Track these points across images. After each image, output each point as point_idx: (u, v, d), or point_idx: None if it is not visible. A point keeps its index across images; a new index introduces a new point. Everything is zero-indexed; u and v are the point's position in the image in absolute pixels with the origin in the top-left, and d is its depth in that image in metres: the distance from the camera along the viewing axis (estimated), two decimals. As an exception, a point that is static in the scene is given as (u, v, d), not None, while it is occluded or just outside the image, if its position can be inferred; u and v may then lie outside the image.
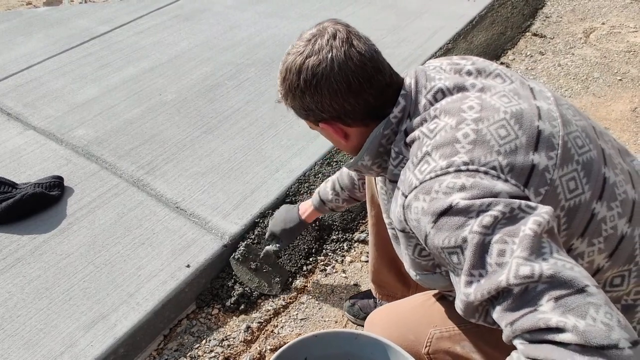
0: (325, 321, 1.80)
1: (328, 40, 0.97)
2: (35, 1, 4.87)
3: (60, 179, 2.21)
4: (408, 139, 0.97)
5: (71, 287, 1.79)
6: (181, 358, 1.68)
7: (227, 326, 1.78)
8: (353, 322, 1.79)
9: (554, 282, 0.73)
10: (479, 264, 0.79)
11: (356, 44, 0.97)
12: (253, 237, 1.97)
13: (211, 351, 1.69)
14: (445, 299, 1.18)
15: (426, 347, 1.12)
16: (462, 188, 0.83)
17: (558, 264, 0.74)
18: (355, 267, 1.99)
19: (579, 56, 3.27)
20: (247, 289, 1.85)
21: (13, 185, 2.17)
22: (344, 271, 1.97)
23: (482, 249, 0.79)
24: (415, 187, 0.89)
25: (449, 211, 0.83)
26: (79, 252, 1.92)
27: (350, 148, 1.11)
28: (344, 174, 1.58)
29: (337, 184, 1.60)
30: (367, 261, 1.93)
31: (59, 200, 2.15)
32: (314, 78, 0.97)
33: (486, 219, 0.79)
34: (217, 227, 2.00)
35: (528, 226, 0.77)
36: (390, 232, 1.22)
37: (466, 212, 0.81)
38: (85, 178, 2.28)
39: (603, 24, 3.64)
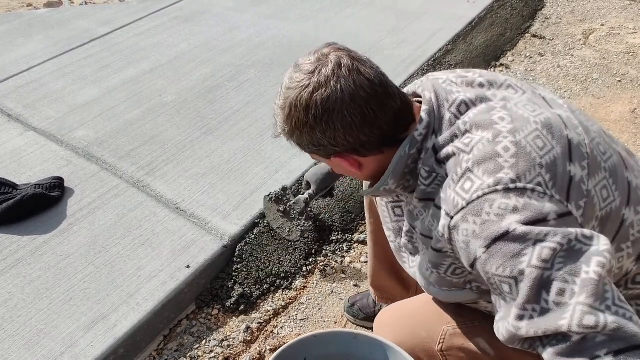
0: (324, 321, 1.81)
1: (334, 70, 0.90)
2: (36, 3, 4.88)
3: (60, 180, 2.21)
4: (440, 156, 0.92)
5: (71, 287, 1.79)
6: (181, 358, 1.68)
7: (226, 327, 1.78)
8: (352, 323, 1.79)
9: (616, 335, 0.71)
10: (535, 299, 0.77)
11: (363, 70, 0.91)
12: (253, 236, 1.98)
13: (211, 351, 1.70)
14: None
15: (439, 344, 1.11)
16: (515, 209, 0.80)
17: (620, 313, 0.73)
18: (355, 268, 1.99)
19: (578, 57, 3.28)
20: (246, 289, 1.85)
21: (13, 186, 2.18)
22: (343, 272, 1.98)
23: (540, 284, 0.76)
24: (463, 208, 0.85)
25: (504, 237, 0.79)
26: (79, 253, 1.92)
27: (364, 176, 1.06)
28: None
29: None
30: (366, 262, 1.93)
31: (60, 201, 2.16)
32: (325, 113, 0.90)
33: (545, 251, 0.76)
34: (217, 228, 2.00)
35: (592, 268, 0.74)
36: (392, 245, 1.20)
37: (523, 240, 0.78)
38: (85, 179, 2.28)
39: (602, 25, 3.65)
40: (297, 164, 2.33)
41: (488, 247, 0.81)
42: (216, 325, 1.79)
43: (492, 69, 3.17)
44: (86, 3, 4.72)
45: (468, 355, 1.09)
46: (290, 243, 2.01)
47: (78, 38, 3.60)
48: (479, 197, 0.83)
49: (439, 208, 0.92)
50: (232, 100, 2.83)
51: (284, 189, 1.95)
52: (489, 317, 0.89)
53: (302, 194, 1.85)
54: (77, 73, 3.15)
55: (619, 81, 3.02)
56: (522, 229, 0.78)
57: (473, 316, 1.11)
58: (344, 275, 1.96)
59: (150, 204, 2.14)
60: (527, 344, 0.81)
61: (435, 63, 3.12)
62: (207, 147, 2.46)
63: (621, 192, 0.90)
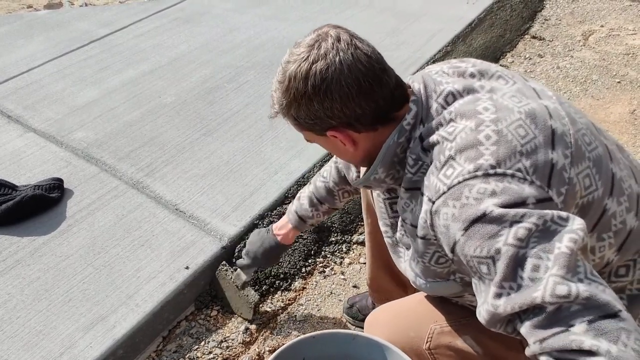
0: (323, 323, 1.81)
1: (333, 43, 0.94)
2: (36, 4, 4.88)
3: (60, 181, 2.21)
4: (425, 144, 0.95)
5: (70, 288, 1.79)
6: (180, 359, 1.68)
7: (225, 328, 1.78)
8: (351, 324, 1.79)
9: (589, 304, 0.73)
10: (511, 277, 0.79)
11: (361, 46, 0.96)
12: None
13: (210, 352, 1.70)
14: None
15: (427, 342, 1.12)
16: (493, 193, 0.82)
17: (592, 285, 0.74)
18: (354, 269, 1.99)
19: (577, 59, 3.28)
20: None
21: (13, 187, 2.18)
22: (342, 273, 1.98)
23: (516, 262, 0.78)
24: (444, 193, 0.88)
25: (482, 219, 0.82)
26: (78, 254, 1.92)
27: (358, 157, 1.08)
28: (318, 187, 1.51)
29: (314, 198, 1.52)
30: (365, 263, 1.93)
31: (59, 202, 2.16)
32: (324, 82, 0.93)
33: (520, 231, 0.78)
34: (216, 229, 2.00)
35: (564, 243, 0.76)
36: (387, 241, 1.21)
37: (500, 221, 0.80)
38: (84, 180, 2.28)
39: (602, 26, 3.65)
40: (296, 165, 2.33)
41: (466, 229, 0.83)
42: (215, 326, 1.78)
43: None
44: (86, 4, 4.72)
45: (456, 353, 1.10)
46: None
47: (78, 39, 3.60)
48: (459, 182, 0.86)
49: (423, 195, 0.94)
50: (231, 101, 2.83)
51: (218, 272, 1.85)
52: (475, 315, 0.90)
53: (244, 270, 1.71)
54: (77, 74, 3.15)
55: (619, 82, 3.02)
56: (498, 210, 0.81)
57: (460, 314, 1.12)
58: (342, 277, 1.96)
59: (149, 205, 2.14)
60: (510, 327, 0.82)
61: (435, 64, 3.12)
62: (206, 149, 2.46)
63: (604, 182, 0.92)
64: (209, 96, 2.88)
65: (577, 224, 0.79)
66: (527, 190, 0.83)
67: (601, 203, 0.91)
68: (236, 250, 1.94)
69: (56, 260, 1.90)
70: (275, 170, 2.30)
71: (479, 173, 0.85)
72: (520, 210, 0.80)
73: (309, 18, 3.78)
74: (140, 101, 2.85)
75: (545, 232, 0.78)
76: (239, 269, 1.74)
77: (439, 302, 1.17)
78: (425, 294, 1.22)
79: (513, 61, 3.28)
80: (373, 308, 1.74)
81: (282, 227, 1.60)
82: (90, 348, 1.61)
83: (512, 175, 0.84)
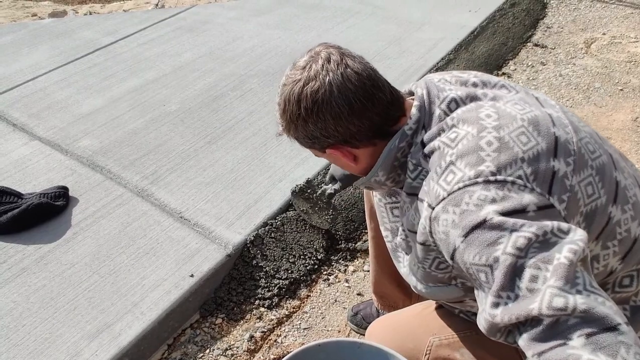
0: (328, 330, 1.81)
1: (323, 64, 0.95)
2: (41, 13, 4.91)
3: (65, 189, 2.23)
4: (426, 150, 0.95)
5: (76, 296, 1.80)
6: (185, 367, 1.68)
7: (230, 335, 1.78)
8: (356, 332, 1.79)
9: (587, 317, 0.71)
10: (509, 286, 0.78)
11: (351, 64, 0.96)
12: (256, 245, 1.99)
13: (215, 361, 1.70)
14: (444, 306, 1.18)
15: (426, 355, 1.12)
16: (494, 200, 0.82)
17: (591, 297, 0.73)
18: (358, 277, 2.00)
19: (580, 66, 3.29)
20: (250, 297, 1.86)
21: (18, 195, 2.19)
22: (346, 280, 1.98)
23: (514, 271, 0.77)
24: (444, 199, 0.87)
25: (482, 225, 0.81)
26: (83, 262, 1.93)
27: (360, 169, 1.09)
28: None
29: None
30: (369, 270, 1.93)
31: (64, 210, 2.17)
32: (315, 105, 0.95)
33: (520, 240, 0.78)
34: (221, 237, 2.01)
35: (563, 254, 0.75)
36: (389, 245, 1.22)
37: (499, 229, 0.80)
38: (90, 188, 2.29)
39: (604, 34, 3.66)
40: (300, 172, 2.34)
41: (466, 235, 0.83)
42: (220, 334, 1.79)
43: (494, 78, 3.18)
44: (90, 13, 4.75)
45: None
46: (293, 251, 2.01)
47: (82, 48, 3.63)
48: (459, 189, 0.86)
49: (422, 201, 0.94)
50: (235, 109, 2.84)
51: (308, 181, 2.09)
52: (474, 328, 0.90)
53: (327, 186, 1.89)
54: (81, 82, 3.17)
55: (621, 90, 3.03)
56: (498, 218, 0.80)
57: (459, 327, 1.12)
58: (347, 284, 1.97)
59: (154, 213, 2.15)
60: (511, 337, 0.82)
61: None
62: (210, 156, 2.47)
63: (607, 190, 0.92)
64: (213, 104, 2.90)
65: (578, 235, 0.78)
66: (527, 198, 0.83)
67: (605, 210, 0.91)
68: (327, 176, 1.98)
69: (62, 268, 1.91)
70: (279, 178, 2.31)
71: (480, 179, 0.85)
72: (520, 220, 0.80)
73: (311, 27, 3.80)
74: (145, 109, 2.87)
75: (545, 244, 0.78)
76: (323, 187, 1.88)
77: (438, 314, 1.17)
78: (424, 306, 1.22)
79: (515, 69, 3.29)
80: (377, 316, 1.75)
81: None
82: (96, 356, 1.61)
83: (513, 182, 0.84)
